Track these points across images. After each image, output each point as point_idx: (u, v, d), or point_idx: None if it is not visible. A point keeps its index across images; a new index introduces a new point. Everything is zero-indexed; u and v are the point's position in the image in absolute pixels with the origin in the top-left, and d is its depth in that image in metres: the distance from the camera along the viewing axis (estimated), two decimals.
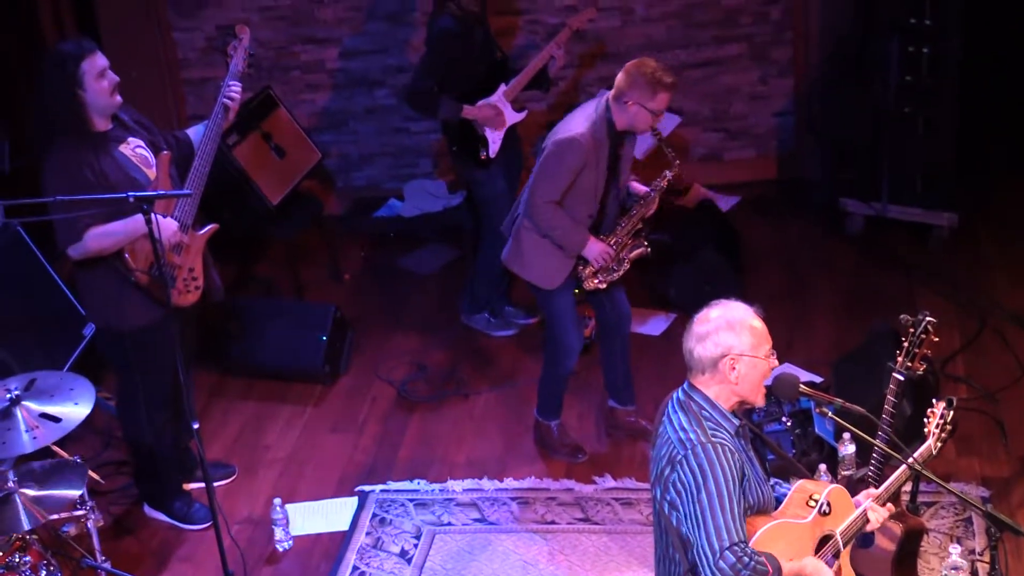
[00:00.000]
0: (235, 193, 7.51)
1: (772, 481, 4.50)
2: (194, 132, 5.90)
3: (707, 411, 4.20)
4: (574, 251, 6.00)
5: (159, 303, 5.48)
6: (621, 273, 6.15)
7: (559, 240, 5.97)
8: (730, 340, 4.17)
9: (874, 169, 7.86)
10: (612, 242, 6.08)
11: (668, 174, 6.09)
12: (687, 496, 4.12)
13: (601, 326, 6.43)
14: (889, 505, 4.48)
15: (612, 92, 5.86)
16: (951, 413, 4.71)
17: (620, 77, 5.82)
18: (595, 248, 6.00)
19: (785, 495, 4.36)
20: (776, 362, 4.27)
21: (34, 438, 5.07)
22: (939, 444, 4.68)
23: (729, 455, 4.12)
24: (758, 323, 4.24)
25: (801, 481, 4.40)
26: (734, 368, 4.17)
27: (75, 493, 5.14)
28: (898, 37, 7.54)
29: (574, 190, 5.92)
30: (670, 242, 7.46)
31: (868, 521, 4.39)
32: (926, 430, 4.69)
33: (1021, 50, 8.15)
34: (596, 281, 6.11)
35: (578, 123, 5.89)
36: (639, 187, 6.15)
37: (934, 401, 4.75)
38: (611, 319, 6.33)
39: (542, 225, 5.97)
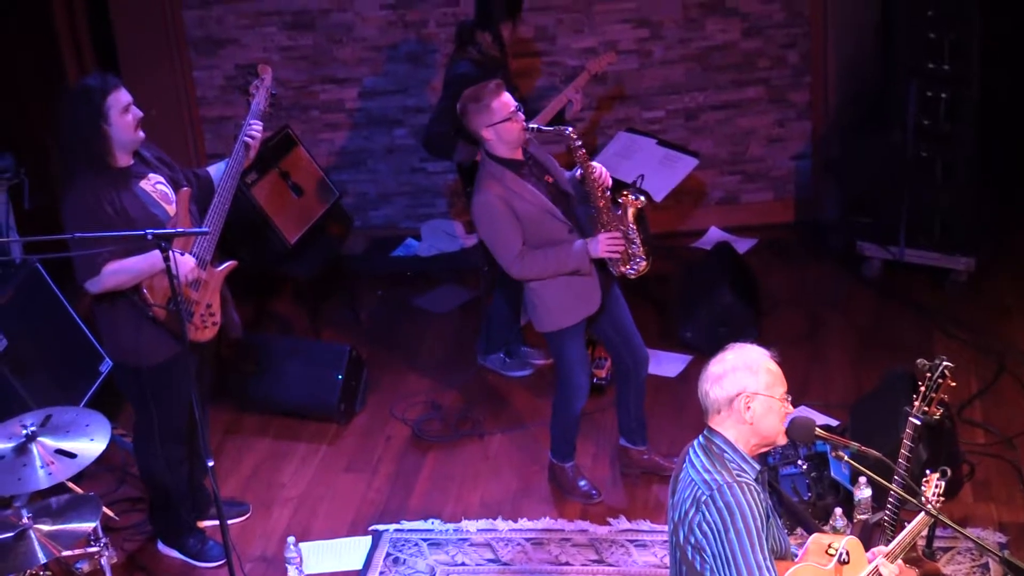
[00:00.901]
0: (253, 231, 7.54)
1: None
2: (214, 170, 5.92)
3: (729, 454, 4.19)
4: (584, 264, 5.93)
5: (176, 338, 5.49)
6: (641, 242, 5.97)
7: (563, 270, 5.92)
8: (745, 380, 4.17)
9: (892, 213, 7.86)
10: (609, 228, 5.96)
11: (571, 137, 5.90)
12: (715, 536, 4.10)
13: (617, 370, 6.41)
14: (900, 563, 4.45)
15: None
16: (944, 484, 4.70)
17: (463, 123, 5.87)
18: (598, 245, 5.89)
19: (795, 554, 4.35)
20: (791, 407, 4.27)
21: (49, 474, 5.07)
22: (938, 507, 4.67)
23: (755, 494, 4.11)
24: (774, 366, 4.25)
25: (816, 534, 4.39)
26: (749, 407, 4.16)
27: (89, 526, 5.13)
28: (916, 81, 7.55)
29: (530, 228, 5.88)
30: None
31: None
32: (923, 499, 4.67)
33: None
34: (630, 267, 6.00)
35: (475, 189, 5.92)
36: (576, 171, 6.04)
37: (927, 472, 4.75)
38: (628, 363, 6.30)
39: (537, 275, 5.94)
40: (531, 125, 5.95)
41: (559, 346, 6.16)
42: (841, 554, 4.26)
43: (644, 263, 6.02)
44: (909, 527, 4.55)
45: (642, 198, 5.97)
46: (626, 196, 5.96)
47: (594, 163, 5.97)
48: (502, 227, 5.86)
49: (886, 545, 4.51)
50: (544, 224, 5.90)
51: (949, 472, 4.75)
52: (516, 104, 5.87)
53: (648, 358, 6.34)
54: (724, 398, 4.18)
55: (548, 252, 5.89)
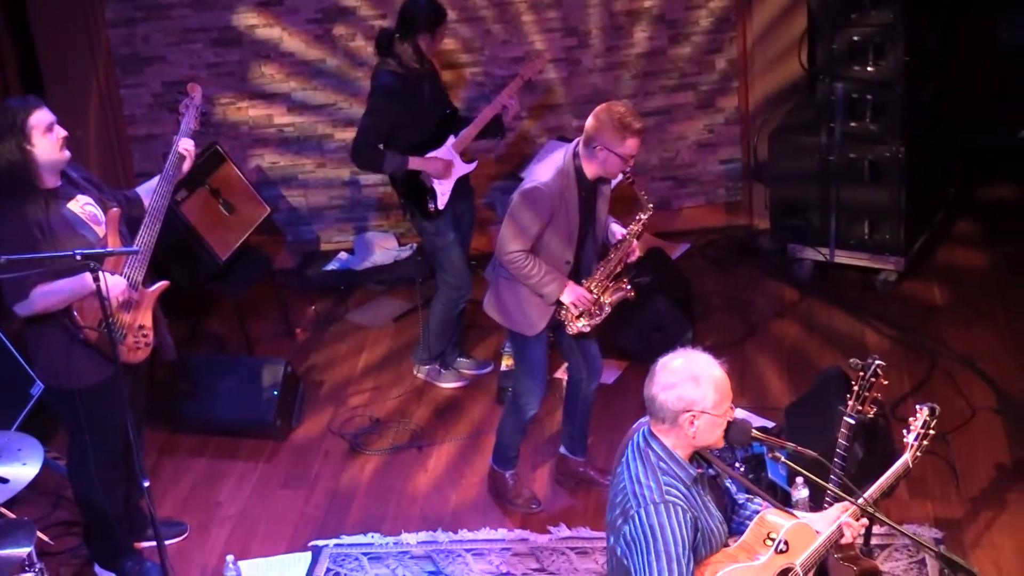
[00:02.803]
0: (184, 249, 7.49)
1: (743, 499, 4.50)
2: (143, 189, 5.88)
3: (665, 462, 4.20)
4: (552, 297, 5.98)
5: (109, 360, 5.44)
6: (603, 318, 6.10)
7: (535, 288, 5.96)
8: (694, 394, 4.16)
9: (821, 215, 7.93)
10: (591, 286, 6.07)
11: (642, 217, 6.06)
12: (637, 553, 4.14)
13: (570, 378, 6.43)
14: (863, 520, 4.47)
15: (582, 138, 5.84)
16: (934, 421, 4.69)
17: (589, 122, 5.79)
18: (572, 293, 5.98)
19: (757, 512, 4.36)
20: (733, 415, 4.28)
21: None
22: (918, 455, 4.66)
23: (681, 515, 4.13)
24: (723, 379, 4.23)
25: (765, 512, 4.39)
26: (693, 424, 4.17)
27: (24, 551, 5.07)
28: (842, 85, 7.62)
29: (547, 237, 5.91)
30: (652, 281, 7.42)
31: (843, 535, 4.39)
32: (905, 440, 4.68)
33: (963, 94, 8.28)
34: (579, 325, 6.08)
35: (543, 172, 5.89)
36: (619, 230, 6.13)
37: (917, 407, 4.74)
38: (582, 374, 6.33)
39: (516, 274, 5.97)
40: (630, 179, 5.99)
41: (520, 346, 6.19)
42: (779, 544, 4.28)
43: (586, 330, 6.12)
44: (884, 476, 4.57)
45: (633, 293, 6.13)
46: (625, 281, 6.10)
47: (636, 243, 6.09)
48: (531, 221, 5.86)
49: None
50: (557, 243, 5.94)
51: (939, 410, 4.74)
52: (635, 153, 5.85)
53: (601, 370, 6.37)
54: (670, 411, 4.18)
55: (540, 269, 5.92)
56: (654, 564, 4.08)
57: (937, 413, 4.71)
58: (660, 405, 4.19)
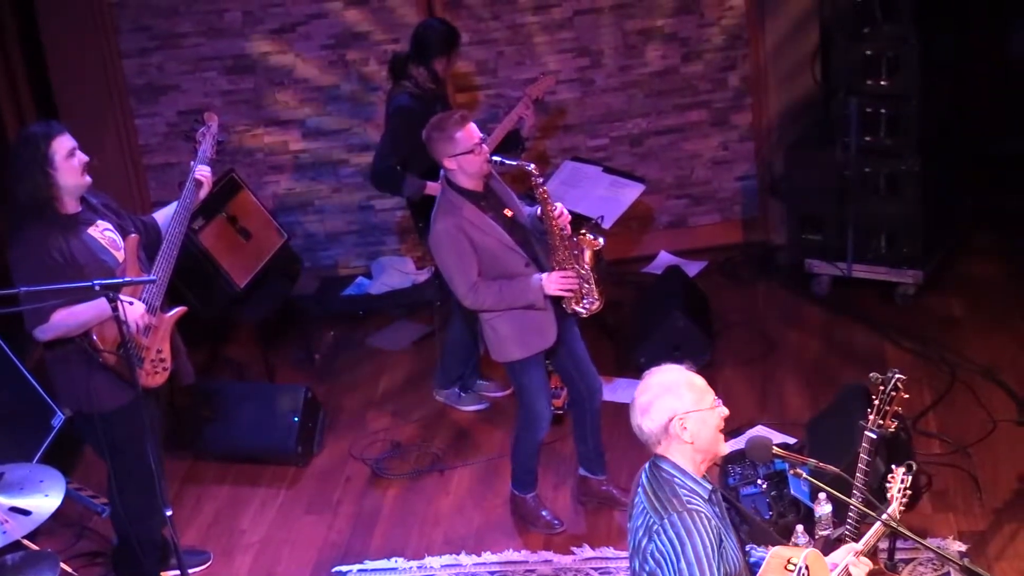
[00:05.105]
0: (201, 277, 7.49)
1: (747, 547, 4.48)
2: (161, 216, 5.89)
3: (678, 479, 4.18)
4: (538, 299, 5.94)
5: (128, 384, 5.44)
6: (596, 283, 5.98)
7: (517, 302, 5.93)
8: (671, 404, 4.15)
9: (838, 229, 7.92)
10: (564, 266, 5.97)
11: (531, 167, 5.95)
12: (667, 565, 4.09)
13: (572, 399, 6.42)
14: (867, 563, 4.46)
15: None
16: (910, 479, 4.69)
17: (427, 148, 5.89)
18: (551, 282, 5.92)
19: (762, 559, 4.34)
20: (725, 409, 4.25)
21: (4, 532, 5.01)
22: (902, 508, 4.67)
23: (706, 521, 4.10)
24: (696, 379, 4.22)
25: (775, 548, 4.37)
26: (685, 428, 4.15)
27: None
28: (856, 99, 7.62)
29: (487, 260, 5.89)
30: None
31: None
32: (888, 495, 4.68)
33: (980, 108, 8.27)
34: (584, 305, 6.02)
35: (433, 216, 5.93)
36: (536, 209, 6.07)
37: (893, 467, 4.75)
38: (582, 392, 6.31)
39: (492, 307, 5.95)
40: (494, 159, 5.97)
41: (519, 375, 6.15)
42: (800, 569, 4.26)
43: (597, 303, 6.03)
44: (875, 526, 4.55)
45: (601, 239, 6.00)
46: (583, 236, 5.97)
47: (556, 203, 5.99)
48: (458, 257, 5.86)
49: (857, 540, 4.48)
50: (500, 257, 5.91)
51: (915, 466, 4.73)
52: (480, 136, 5.89)
53: (601, 386, 6.35)
54: (658, 428, 4.16)
55: (503, 285, 5.89)
56: (685, 571, 4.03)
57: (914, 469, 4.71)
58: (648, 431, 4.18)
